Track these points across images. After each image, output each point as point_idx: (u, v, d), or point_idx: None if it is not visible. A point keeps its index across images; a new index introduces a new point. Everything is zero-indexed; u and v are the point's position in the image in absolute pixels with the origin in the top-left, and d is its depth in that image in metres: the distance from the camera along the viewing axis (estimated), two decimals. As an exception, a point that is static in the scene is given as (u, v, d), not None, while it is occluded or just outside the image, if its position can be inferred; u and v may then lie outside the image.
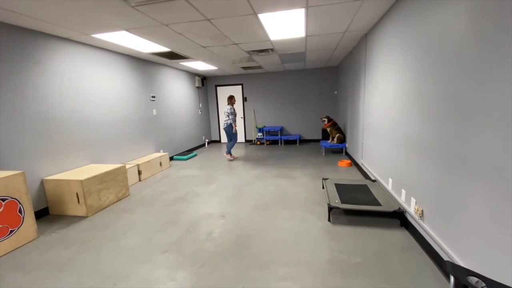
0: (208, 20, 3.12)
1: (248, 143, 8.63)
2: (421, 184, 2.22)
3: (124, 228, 2.85)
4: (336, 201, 2.91)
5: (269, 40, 4.19)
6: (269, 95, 8.36)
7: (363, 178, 4.26)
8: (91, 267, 2.16)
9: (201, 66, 6.43)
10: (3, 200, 2.40)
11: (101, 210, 3.38)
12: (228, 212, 3.14)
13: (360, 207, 2.72)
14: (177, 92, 6.81)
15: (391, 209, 2.61)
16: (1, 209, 2.39)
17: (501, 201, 1.32)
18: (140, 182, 4.60)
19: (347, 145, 6.04)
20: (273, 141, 8.41)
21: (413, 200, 2.40)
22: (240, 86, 8.54)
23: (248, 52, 5.02)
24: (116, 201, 3.66)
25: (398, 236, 2.44)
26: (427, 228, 2.12)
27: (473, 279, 1.07)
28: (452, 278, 1.11)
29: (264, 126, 8.49)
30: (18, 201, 2.53)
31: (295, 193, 3.69)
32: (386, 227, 2.61)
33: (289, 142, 8.28)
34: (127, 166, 4.37)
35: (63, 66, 3.54)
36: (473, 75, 1.52)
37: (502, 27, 1.29)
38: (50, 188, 3.23)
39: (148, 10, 2.72)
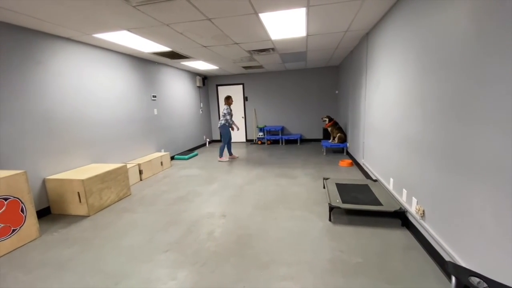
0: (209, 19, 3.11)
1: (249, 143, 8.63)
2: (423, 184, 2.22)
3: (126, 227, 2.86)
4: (337, 200, 2.91)
5: (270, 39, 4.19)
6: (270, 94, 8.36)
7: (364, 177, 4.25)
8: (92, 266, 2.17)
9: (202, 65, 6.43)
10: (5, 199, 2.41)
11: (102, 209, 3.39)
12: (229, 212, 3.14)
13: (361, 207, 2.72)
14: (178, 91, 6.82)
15: (392, 209, 2.61)
16: (3, 208, 2.40)
17: (503, 201, 1.32)
18: (141, 181, 4.61)
19: (348, 144, 6.03)
20: (274, 141, 8.41)
21: (414, 200, 2.40)
22: (241, 86, 8.54)
23: (249, 51, 5.02)
24: (117, 201, 3.67)
25: (399, 236, 2.43)
26: (428, 228, 2.12)
27: (474, 280, 1.06)
28: (453, 279, 1.10)
29: (265, 126, 8.49)
30: (20, 201, 2.54)
31: (296, 193, 3.69)
32: (387, 227, 2.61)
33: (290, 142, 8.28)
34: (128, 166, 4.38)
35: (65, 66, 3.55)
36: (475, 74, 1.51)
37: (505, 26, 1.29)
38: (51, 188, 3.24)
39: (149, 9, 2.72)
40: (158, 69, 5.89)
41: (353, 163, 5.23)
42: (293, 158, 5.97)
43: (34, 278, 2.05)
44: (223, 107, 5.93)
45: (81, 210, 3.21)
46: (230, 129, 5.95)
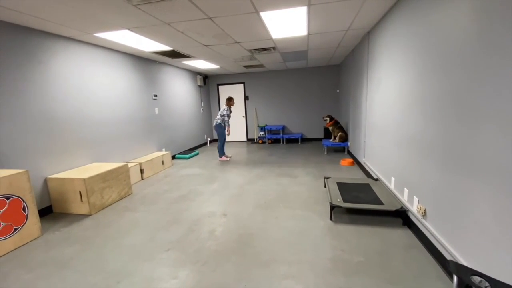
0: (210, 18, 3.11)
1: (250, 142, 8.63)
2: (424, 183, 2.21)
3: (127, 226, 2.86)
4: (338, 200, 2.91)
5: (271, 38, 4.18)
6: (271, 93, 8.35)
7: (365, 177, 4.25)
8: (94, 265, 2.18)
9: (203, 64, 6.43)
10: (7, 198, 2.42)
11: (104, 208, 3.40)
12: (230, 211, 3.15)
13: (362, 206, 2.72)
14: (179, 91, 6.82)
15: (393, 208, 2.60)
16: (6, 207, 2.41)
17: (505, 200, 1.31)
18: (142, 180, 4.62)
19: (349, 144, 6.02)
20: (275, 140, 8.41)
21: (415, 199, 2.39)
22: (242, 85, 8.53)
23: (250, 50, 5.01)
24: (119, 200, 3.67)
25: (400, 235, 2.43)
26: (429, 227, 2.11)
27: (476, 279, 1.06)
28: (455, 278, 1.10)
29: (266, 125, 8.48)
30: (22, 200, 2.55)
31: (297, 192, 3.69)
32: (389, 226, 2.60)
33: (291, 141, 8.27)
34: (130, 165, 4.39)
35: (66, 65, 3.55)
36: (477, 74, 1.50)
37: (505, 25, 1.28)
38: (53, 187, 3.25)
39: (150, 9, 2.72)
40: (159, 68, 5.89)
41: (354, 162, 5.23)
42: (294, 157, 5.97)
43: (36, 277, 2.06)
44: (223, 107, 5.91)
45: (82, 209, 3.22)
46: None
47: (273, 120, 8.53)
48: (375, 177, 3.75)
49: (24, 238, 2.57)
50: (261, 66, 7.05)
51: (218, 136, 5.92)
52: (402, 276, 1.89)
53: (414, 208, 2.42)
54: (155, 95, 5.72)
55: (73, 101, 3.65)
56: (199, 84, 7.89)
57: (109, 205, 3.50)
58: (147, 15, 2.89)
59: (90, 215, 3.20)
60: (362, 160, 4.66)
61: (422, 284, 1.79)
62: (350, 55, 5.68)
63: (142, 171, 4.67)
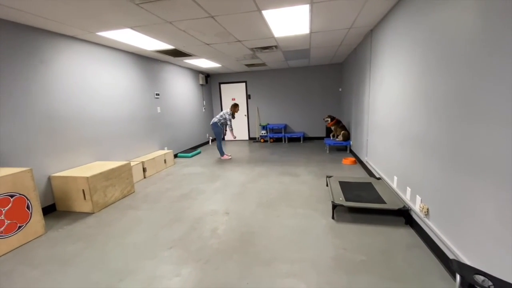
0: (212, 17, 3.11)
1: (251, 141, 8.63)
2: (427, 182, 2.20)
3: (130, 224, 2.88)
4: (340, 198, 2.90)
5: (273, 37, 4.17)
6: (273, 92, 8.34)
7: (367, 175, 4.23)
8: (97, 263, 2.19)
9: (204, 63, 6.43)
10: (12, 196, 2.45)
11: (106, 206, 3.42)
12: (232, 209, 3.15)
13: (365, 205, 2.71)
14: (181, 89, 6.83)
15: (396, 207, 2.59)
16: (10, 205, 2.43)
17: (508, 199, 1.30)
18: (145, 179, 4.64)
19: (351, 142, 6.00)
20: (277, 139, 8.40)
21: (418, 198, 2.38)
22: (243, 84, 8.52)
23: (252, 49, 5.00)
24: (122, 198, 3.70)
25: (403, 234, 2.42)
26: (432, 226, 2.11)
27: (479, 278, 1.06)
28: (458, 277, 1.10)
29: (268, 124, 8.48)
30: (26, 198, 2.57)
31: (299, 191, 3.69)
32: (391, 225, 2.60)
33: (293, 140, 8.26)
34: (132, 164, 4.41)
35: (69, 64, 3.57)
36: (481, 72, 1.49)
37: (511, 23, 1.27)
38: (57, 185, 3.28)
39: (152, 7, 2.72)
40: (161, 67, 5.90)
41: (357, 161, 5.21)
42: (296, 156, 5.96)
43: (39, 274, 2.08)
44: (226, 110, 5.94)
45: (85, 207, 3.24)
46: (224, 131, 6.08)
47: (275, 119, 8.52)
48: (378, 176, 3.73)
49: (28, 235, 2.60)
50: (263, 64, 7.04)
51: (215, 135, 5.99)
52: (405, 275, 1.88)
53: (416, 207, 2.41)
54: (157, 94, 5.73)
55: (76, 100, 3.67)
56: (201, 83, 7.89)
57: (112, 203, 3.52)
58: (149, 13, 2.89)
59: (93, 213, 3.23)
60: (364, 159, 4.64)
61: (424, 283, 1.79)
62: (353, 53, 5.65)
63: (144, 170, 4.69)
